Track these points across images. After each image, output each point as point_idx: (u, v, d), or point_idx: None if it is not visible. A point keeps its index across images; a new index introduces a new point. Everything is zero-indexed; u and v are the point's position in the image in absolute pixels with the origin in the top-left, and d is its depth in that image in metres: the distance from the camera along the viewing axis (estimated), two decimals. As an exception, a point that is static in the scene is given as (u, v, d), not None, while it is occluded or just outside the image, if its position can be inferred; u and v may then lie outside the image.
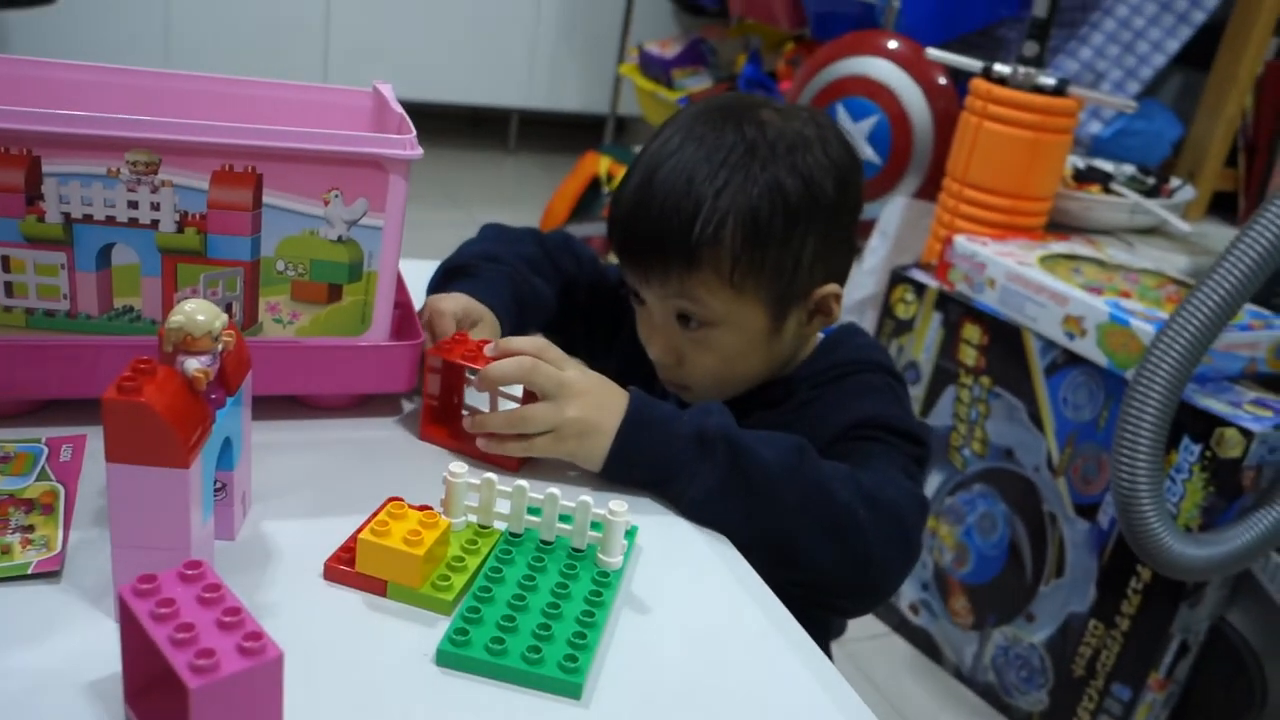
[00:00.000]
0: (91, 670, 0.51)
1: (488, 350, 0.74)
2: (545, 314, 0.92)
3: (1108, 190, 1.73)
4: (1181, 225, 1.70)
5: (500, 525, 0.66)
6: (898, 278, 1.65)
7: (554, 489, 0.65)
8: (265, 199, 0.70)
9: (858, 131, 1.90)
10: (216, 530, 0.61)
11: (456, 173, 3.50)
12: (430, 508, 0.63)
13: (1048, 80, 1.54)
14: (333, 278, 0.74)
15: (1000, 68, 1.58)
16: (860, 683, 1.60)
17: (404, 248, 0.76)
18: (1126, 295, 1.39)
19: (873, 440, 0.79)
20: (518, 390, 0.75)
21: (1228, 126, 1.87)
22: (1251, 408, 1.30)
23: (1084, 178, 1.76)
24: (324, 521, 0.65)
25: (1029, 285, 1.44)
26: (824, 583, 0.74)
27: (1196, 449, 1.29)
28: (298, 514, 0.66)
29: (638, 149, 0.81)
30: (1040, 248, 1.55)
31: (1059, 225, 1.69)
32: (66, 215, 0.66)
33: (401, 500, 0.64)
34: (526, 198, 3.26)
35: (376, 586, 0.60)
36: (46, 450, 0.67)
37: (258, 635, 0.45)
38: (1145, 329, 1.29)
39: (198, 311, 0.55)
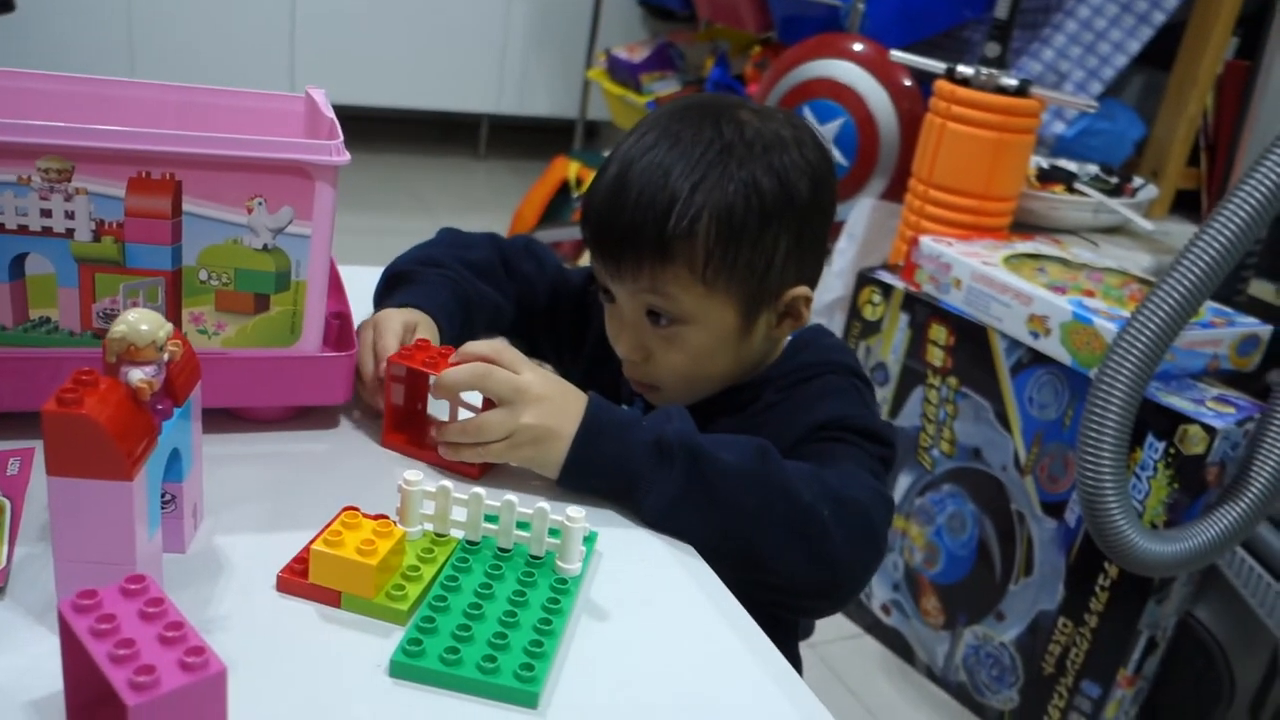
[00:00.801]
0: (34, 688, 0.50)
1: (452, 359, 0.73)
2: (497, 317, 0.91)
3: (1071, 190, 1.74)
4: (1144, 224, 1.72)
5: (457, 534, 0.66)
6: (865, 279, 1.65)
7: (511, 496, 0.64)
8: (185, 207, 0.68)
9: (825, 133, 1.91)
10: (166, 543, 0.60)
11: (426, 179, 3.49)
12: (386, 517, 0.62)
13: (1010, 81, 1.55)
14: (259, 287, 0.72)
15: (963, 69, 1.59)
16: (833, 684, 1.60)
17: (369, 254, 0.75)
18: (1090, 294, 1.40)
19: (838, 441, 0.79)
20: (479, 398, 0.74)
21: (1189, 125, 1.89)
22: (1214, 404, 1.31)
23: (1048, 177, 1.77)
24: (278, 533, 0.64)
25: (994, 285, 1.44)
26: (790, 585, 0.73)
27: (1160, 446, 1.30)
28: (251, 525, 0.66)
29: (608, 153, 0.80)
30: (1005, 247, 1.55)
31: (1024, 225, 1.70)
32: None
33: (356, 510, 0.63)
34: (497, 203, 3.25)
35: (330, 597, 0.59)
36: (-8, 464, 0.66)
37: (200, 650, 0.44)
38: (1108, 327, 1.30)
39: (141, 321, 0.54)
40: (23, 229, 0.66)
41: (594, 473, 0.71)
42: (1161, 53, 1.92)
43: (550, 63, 3.61)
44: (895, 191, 1.85)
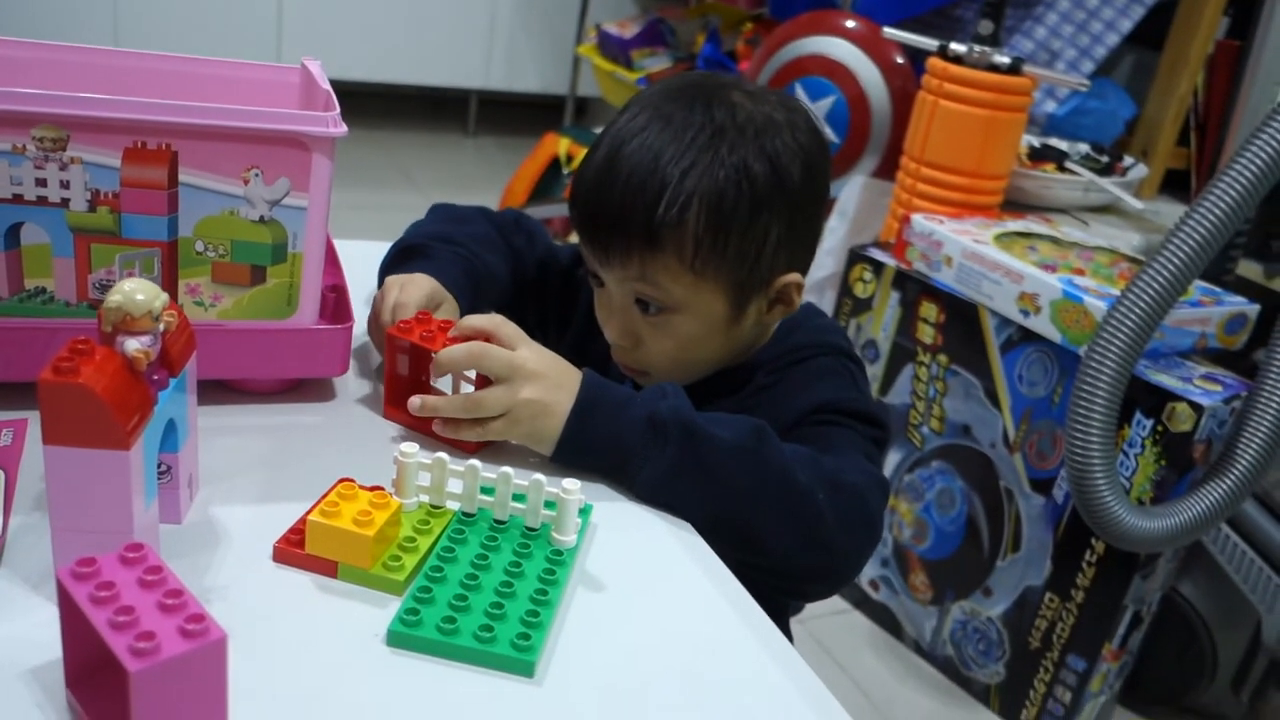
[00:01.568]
0: (33, 656, 0.50)
1: (450, 333, 0.73)
2: (499, 292, 0.91)
3: (1062, 169, 1.75)
4: (1135, 203, 1.72)
5: (453, 505, 0.66)
6: (856, 257, 1.66)
7: (507, 468, 0.65)
8: (181, 177, 0.68)
9: (816, 111, 1.90)
10: (162, 513, 0.60)
11: (415, 155, 3.46)
12: (382, 488, 0.63)
13: (1003, 59, 1.55)
14: (255, 259, 0.72)
15: (956, 46, 1.58)
16: (821, 659, 1.62)
17: (359, 229, 0.75)
18: (1080, 272, 1.41)
19: (832, 425, 0.79)
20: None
21: (1180, 105, 1.89)
22: (1202, 382, 1.32)
23: (1039, 156, 1.77)
24: (273, 504, 0.65)
25: (985, 263, 1.45)
26: (784, 567, 0.73)
27: (1148, 423, 1.31)
28: (247, 497, 0.66)
29: (598, 130, 0.80)
30: (996, 226, 1.56)
31: (1015, 203, 1.71)
32: None
33: (352, 481, 0.63)
34: (486, 180, 3.24)
35: (327, 568, 0.60)
36: (-14, 435, 0.65)
37: (200, 617, 0.44)
38: (1098, 305, 1.31)
39: (137, 291, 0.53)
40: (18, 198, 0.65)
41: (588, 448, 0.71)
42: (1153, 32, 1.92)
43: (540, 38, 3.59)
44: (887, 169, 1.85)
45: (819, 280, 1.82)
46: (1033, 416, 1.44)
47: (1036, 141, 1.81)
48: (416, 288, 0.79)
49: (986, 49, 1.56)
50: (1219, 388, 1.31)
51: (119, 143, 0.65)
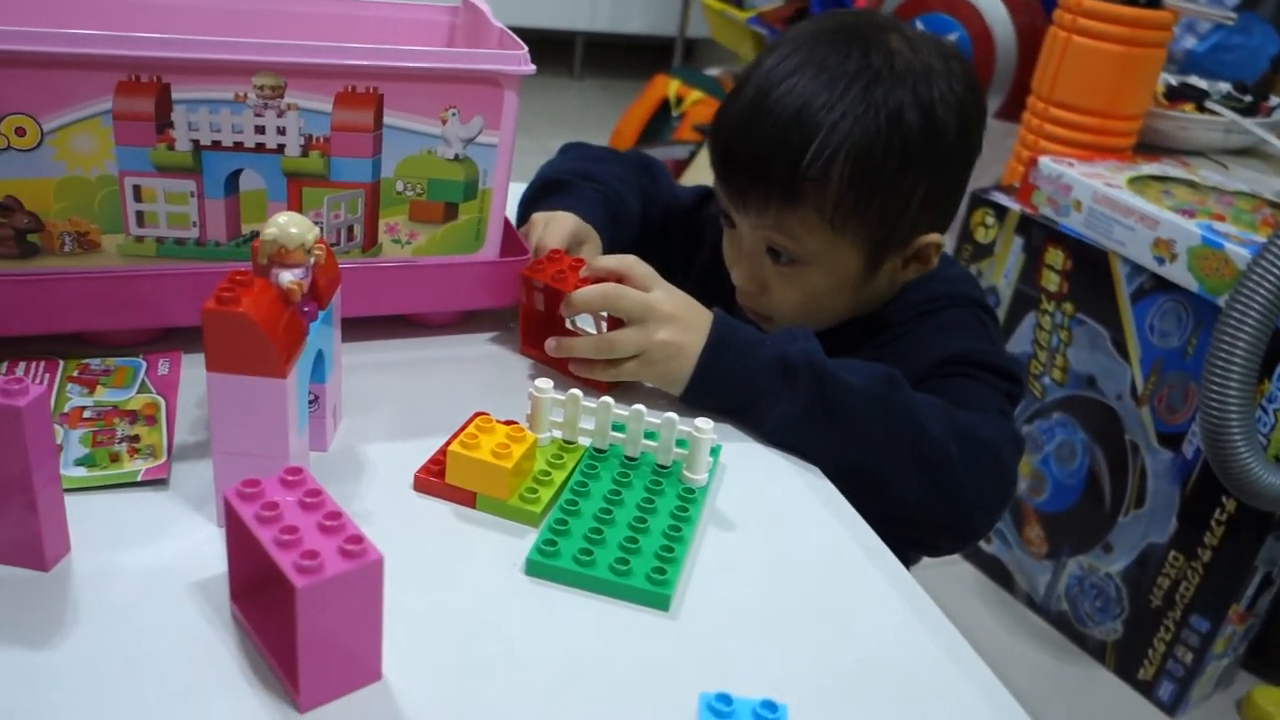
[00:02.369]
0: (198, 570, 0.53)
1: (582, 272, 0.73)
2: (633, 233, 0.91)
3: (1202, 109, 1.66)
4: (1280, 145, 1.62)
5: (585, 441, 0.67)
6: (978, 200, 1.61)
7: (639, 405, 0.65)
8: (385, 119, 0.70)
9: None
10: (310, 441, 0.62)
11: (521, 98, 3.47)
12: (517, 423, 0.64)
13: (1143, -9, 1.47)
14: (449, 196, 0.74)
15: (1092, -21, 1.50)
16: (930, 609, 1.60)
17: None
18: (1220, 218, 1.34)
19: (966, 377, 0.77)
20: None
21: (1334, 40, 1.77)
22: (1351, 335, 1.25)
23: (1176, 95, 1.68)
24: (413, 435, 0.66)
25: (1117, 208, 1.39)
26: (913, 517, 0.72)
27: (1290, 377, 1.24)
28: (387, 428, 0.67)
29: (710, 71, 0.78)
30: (1129, 169, 1.49)
31: (1149, 146, 1.62)
32: (195, 142, 0.67)
33: (488, 415, 0.64)
34: (592, 123, 3.23)
35: (465, 498, 0.61)
36: (145, 364, 0.68)
37: (359, 539, 0.46)
38: (1240, 253, 1.24)
39: (290, 224, 0.55)
40: (238, 145, 0.68)
41: (718, 388, 0.71)
42: (1308, -39, 1.79)
43: (648, -22, 3.55)
44: (1010, 110, 1.78)
45: (936, 225, 1.77)
46: (1164, 368, 1.39)
47: (1174, 80, 1.72)
48: (560, 225, 0.79)
49: (1125, -19, 1.48)
50: (1371, 341, 1.24)
51: (332, 87, 0.68)
